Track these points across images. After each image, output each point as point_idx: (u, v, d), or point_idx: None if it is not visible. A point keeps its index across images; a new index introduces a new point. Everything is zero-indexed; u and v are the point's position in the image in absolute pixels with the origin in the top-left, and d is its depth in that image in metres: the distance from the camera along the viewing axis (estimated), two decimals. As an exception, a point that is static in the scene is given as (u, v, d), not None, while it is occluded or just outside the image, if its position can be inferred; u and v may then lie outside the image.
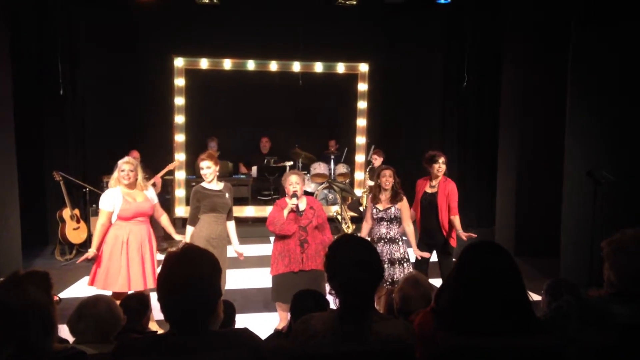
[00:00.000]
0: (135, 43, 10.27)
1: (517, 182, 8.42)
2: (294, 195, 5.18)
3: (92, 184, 8.55)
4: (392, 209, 5.53)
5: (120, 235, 5.07)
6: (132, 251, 5.07)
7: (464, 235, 5.56)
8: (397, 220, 5.56)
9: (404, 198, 5.58)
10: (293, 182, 5.21)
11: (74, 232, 8.18)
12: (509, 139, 8.63)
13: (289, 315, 3.52)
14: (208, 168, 5.37)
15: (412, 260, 5.74)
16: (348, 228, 8.81)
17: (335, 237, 2.82)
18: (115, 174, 5.13)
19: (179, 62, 10.02)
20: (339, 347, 2.10)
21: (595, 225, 5.88)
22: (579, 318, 2.28)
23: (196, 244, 4.93)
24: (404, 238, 5.69)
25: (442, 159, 5.73)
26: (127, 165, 5.12)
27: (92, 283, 5.12)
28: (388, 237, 5.53)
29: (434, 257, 5.90)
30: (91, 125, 9.65)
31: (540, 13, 7.97)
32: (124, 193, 5.11)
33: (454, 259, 5.69)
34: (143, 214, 5.20)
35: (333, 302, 2.29)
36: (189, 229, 5.44)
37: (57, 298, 3.28)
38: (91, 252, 5.06)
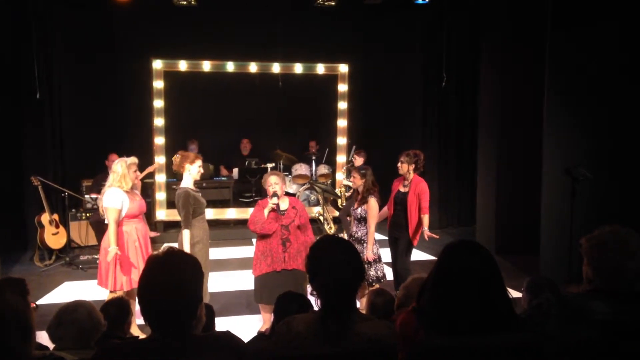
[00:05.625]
0: (113, 45, 10.16)
1: (497, 180, 8.49)
2: (274, 194, 5.19)
3: (71, 188, 8.45)
4: (359, 209, 5.71)
5: (130, 233, 5.14)
6: (142, 247, 5.20)
7: (427, 235, 5.67)
8: (364, 220, 5.69)
9: (370, 200, 5.65)
10: (272, 182, 5.23)
11: (53, 238, 8.06)
12: (488, 137, 8.69)
13: (272, 317, 3.52)
14: (200, 167, 5.47)
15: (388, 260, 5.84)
16: (330, 229, 8.82)
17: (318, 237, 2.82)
18: (122, 172, 5.08)
19: (158, 65, 9.93)
20: (321, 349, 2.09)
21: (573, 222, 5.94)
22: (559, 315, 2.30)
23: (197, 249, 5.05)
24: (376, 239, 5.78)
25: (401, 158, 5.87)
26: (135, 165, 5.21)
27: (115, 287, 5.06)
28: (355, 237, 5.74)
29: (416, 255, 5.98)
30: (69, 129, 9.53)
31: (517, 14, 8.04)
32: (124, 191, 5.14)
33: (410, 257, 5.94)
34: (144, 211, 5.37)
35: (315, 303, 2.28)
36: (187, 233, 5.26)
37: (34, 305, 3.23)
38: (115, 249, 4.94)
